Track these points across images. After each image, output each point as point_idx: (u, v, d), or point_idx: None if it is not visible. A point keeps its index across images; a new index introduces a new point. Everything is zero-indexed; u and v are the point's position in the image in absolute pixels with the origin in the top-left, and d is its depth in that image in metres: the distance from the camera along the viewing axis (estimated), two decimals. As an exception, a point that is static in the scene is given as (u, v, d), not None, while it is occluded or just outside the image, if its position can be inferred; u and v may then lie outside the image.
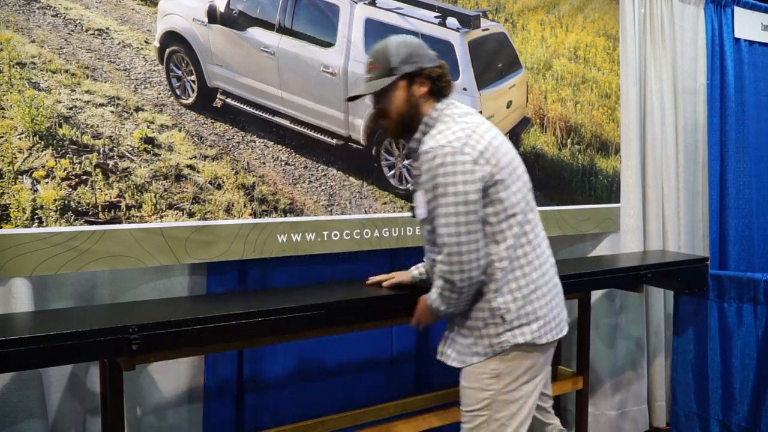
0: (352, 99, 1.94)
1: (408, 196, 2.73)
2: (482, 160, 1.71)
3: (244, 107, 2.40)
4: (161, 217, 2.21)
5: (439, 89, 1.82)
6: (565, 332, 1.90)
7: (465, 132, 1.73)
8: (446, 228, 1.70)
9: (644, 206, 3.48)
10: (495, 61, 2.93)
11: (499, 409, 1.80)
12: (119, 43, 2.19)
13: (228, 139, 2.37)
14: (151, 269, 2.27)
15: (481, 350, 1.80)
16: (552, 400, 2.17)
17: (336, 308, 2.01)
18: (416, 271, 2.17)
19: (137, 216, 2.17)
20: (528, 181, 1.86)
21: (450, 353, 1.88)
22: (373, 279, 2.25)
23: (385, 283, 2.20)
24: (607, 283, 2.91)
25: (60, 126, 2.07)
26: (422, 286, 2.08)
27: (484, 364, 1.80)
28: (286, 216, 2.45)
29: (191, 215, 2.27)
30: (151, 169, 2.21)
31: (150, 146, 2.21)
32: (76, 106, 2.10)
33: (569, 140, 3.26)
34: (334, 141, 2.57)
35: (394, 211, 2.69)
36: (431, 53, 1.84)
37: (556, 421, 2.16)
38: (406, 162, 2.71)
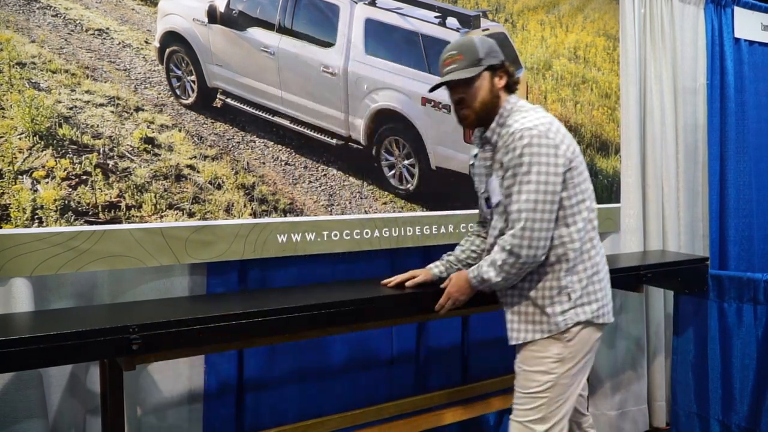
0: (435, 89, 1.99)
1: (408, 196, 2.73)
2: (563, 146, 1.84)
3: (244, 107, 2.40)
4: (161, 217, 2.21)
5: (512, 84, 1.95)
6: (612, 319, 2.01)
7: (547, 119, 1.87)
8: (525, 204, 1.80)
9: (644, 206, 3.48)
10: (495, 61, 2.92)
11: (558, 392, 1.90)
12: (119, 43, 2.19)
13: (228, 139, 2.37)
14: (151, 269, 2.27)
15: (546, 327, 1.90)
16: (587, 390, 2.28)
17: (336, 308, 2.01)
18: (436, 269, 2.19)
19: (137, 216, 2.17)
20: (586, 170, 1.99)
21: (511, 334, 1.97)
22: (393, 280, 2.20)
23: (408, 283, 2.17)
24: (607, 283, 2.90)
25: (60, 126, 2.07)
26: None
27: (547, 348, 1.89)
28: (285, 216, 2.45)
29: (191, 215, 2.27)
30: (151, 169, 2.21)
31: (150, 146, 2.21)
32: (76, 106, 2.10)
33: (569, 140, 3.25)
34: (334, 141, 2.57)
35: (394, 211, 2.69)
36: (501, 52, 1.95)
37: (589, 415, 2.26)
38: (405, 162, 2.71)
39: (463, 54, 1.88)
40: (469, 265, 2.14)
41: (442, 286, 2.05)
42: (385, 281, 2.20)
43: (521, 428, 1.92)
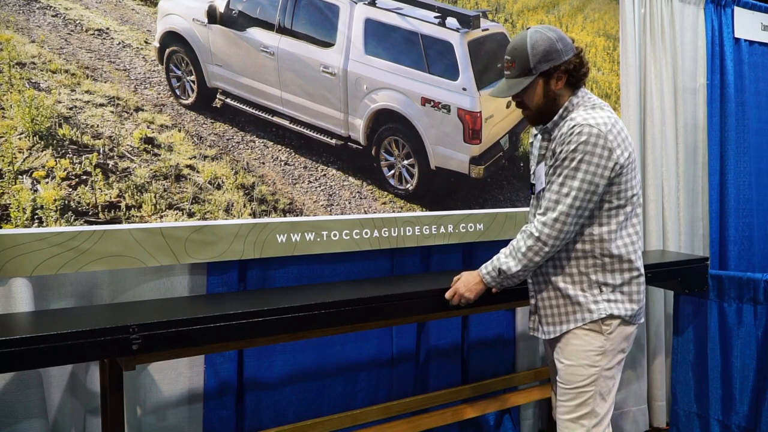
0: (495, 95, 2.02)
1: (407, 197, 2.73)
2: (619, 150, 1.84)
3: (244, 107, 2.40)
4: (161, 217, 2.22)
5: (577, 79, 1.93)
6: (643, 320, 2.04)
7: (611, 120, 1.86)
8: (565, 197, 1.83)
9: (644, 206, 3.48)
10: (495, 62, 2.93)
11: (603, 384, 1.92)
12: (119, 43, 2.19)
13: (228, 139, 2.37)
14: (151, 269, 2.27)
15: (579, 316, 1.92)
16: None
17: (336, 308, 2.01)
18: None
19: (137, 216, 2.17)
20: (641, 178, 2.00)
21: (544, 328, 2.00)
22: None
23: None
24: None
25: (60, 126, 2.07)
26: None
27: (589, 341, 1.92)
28: (285, 216, 2.45)
29: (191, 215, 2.27)
30: (151, 169, 2.21)
31: (150, 146, 2.22)
32: (76, 106, 2.10)
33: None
34: (333, 141, 2.57)
35: (394, 211, 2.70)
36: (569, 43, 1.90)
37: None
38: (405, 162, 2.71)
39: (516, 61, 1.88)
40: None
41: (454, 281, 2.07)
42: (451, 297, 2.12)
43: (571, 425, 1.93)
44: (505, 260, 1.93)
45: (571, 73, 1.90)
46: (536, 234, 1.86)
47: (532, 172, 2.08)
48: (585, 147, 1.81)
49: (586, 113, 1.86)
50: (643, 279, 1.99)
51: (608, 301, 1.92)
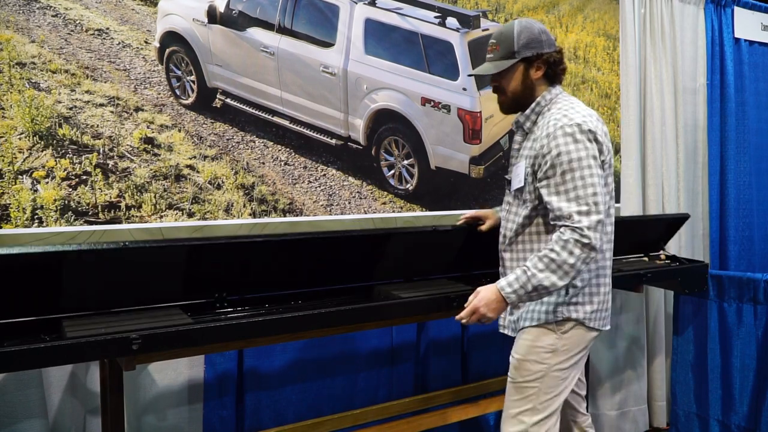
0: (474, 74, 2.05)
1: (407, 196, 2.73)
2: (599, 142, 1.83)
3: (244, 107, 2.40)
4: (161, 217, 2.21)
5: (555, 74, 1.95)
6: (608, 327, 2.01)
7: (590, 114, 1.87)
8: (586, 198, 1.76)
9: (644, 206, 3.48)
10: (495, 61, 2.92)
11: (549, 384, 1.89)
12: (119, 43, 2.19)
13: (228, 139, 2.37)
14: (151, 269, 2.27)
15: (535, 315, 1.92)
16: (586, 389, 2.28)
17: (336, 308, 2.01)
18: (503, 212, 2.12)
19: (137, 216, 2.17)
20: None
21: (508, 324, 2.02)
22: (462, 219, 2.32)
23: (482, 227, 2.26)
24: (607, 283, 2.91)
25: (60, 126, 2.07)
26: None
27: (540, 338, 1.90)
28: (285, 216, 2.45)
29: (191, 215, 2.27)
30: (151, 169, 2.21)
31: (150, 146, 2.22)
32: (76, 106, 2.10)
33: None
34: (333, 141, 2.57)
35: (394, 211, 2.69)
36: (552, 38, 1.95)
37: (588, 415, 2.25)
38: (405, 162, 2.71)
39: (500, 45, 1.91)
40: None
41: (469, 300, 1.88)
42: (459, 222, 2.31)
43: (511, 420, 1.92)
44: (545, 276, 1.75)
45: (550, 66, 1.93)
46: (588, 242, 1.73)
47: (509, 169, 2.05)
48: (576, 145, 1.78)
49: (566, 111, 1.86)
50: (605, 281, 1.96)
51: (569, 304, 1.90)
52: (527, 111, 1.94)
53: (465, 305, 1.86)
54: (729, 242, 3.80)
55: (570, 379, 1.95)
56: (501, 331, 2.07)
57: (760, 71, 4.02)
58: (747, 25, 3.93)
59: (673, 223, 3.14)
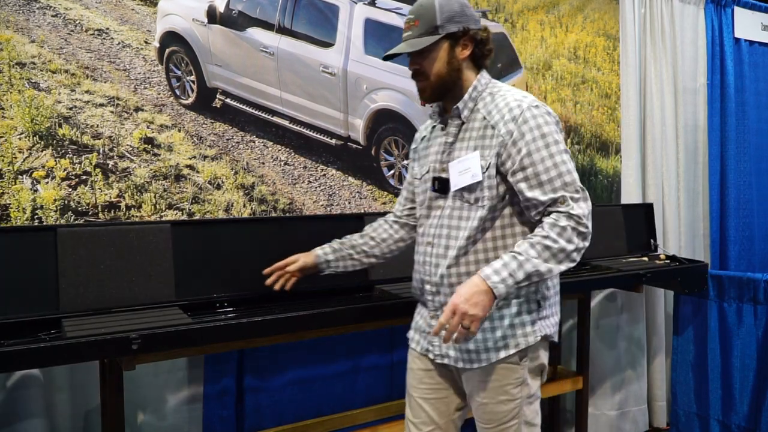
0: (388, 58, 1.71)
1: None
2: (562, 130, 1.64)
3: (244, 107, 2.41)
4: (161, 217, 2.21)
5: (482, 54, 1.67)
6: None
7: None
8: (575, 184, 1.54)
9: (644, 206, 3.49)
10: (494, 62, 2.93)
11: (527, 411, 1.66)
12: (119, 43, 2.19)
13: (227, 139, 2.37)
14: (150, 269, 2.27)
15: (512, 342, 1.60)
16: None
17: (335, 308, 2.01)
18: (320, 251, 1.88)
19: (137, 216, 2.17)
20: None
21: (457, 355, 1.65)
22: (272, 267, 1.88)
23: (290, 267, 1.85)
24: (607, 283, 2.91)
25: (60, 126, 2.07)
26: (330, 271, 1.90)
27: (504, 375, 1.62)
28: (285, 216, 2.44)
29: (191, 215, 2.27)
30: (151, 169, 2.21)
31: (150, 146, 2.22)
32: (76, 106, 2.10)
33: (569, 140, 3.26)
34: (333, 141, 2.57)
35: (394, 211, 2.69)
36: (476, 14, 1.67)
37: None
38: (405, 162, 2.71)
39: (420, 19, 1.61)
40: (365, 253, 1.88)
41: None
42: (266, 270, 1.88)
43: None
44: (543, 263, 1.49)
45: (477, 45, 1.65)
46: (586, 231, 1.52)
47: (430, 172, 1.72)
48: (549, 127, 1.56)
49: (515, 94, 1.62)
50: (558, 289, 1.73)
51: (542, 318, 1.63)
52: (465, 97, 1.64)
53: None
54: (729, 242, 3.80)
55: (539, 393, 1.71)
56: (441, 361, 1.70)
57: (760, 71, 4.02)
58: (747, 25, 3.93)
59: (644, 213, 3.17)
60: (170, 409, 2.34)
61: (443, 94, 1.67)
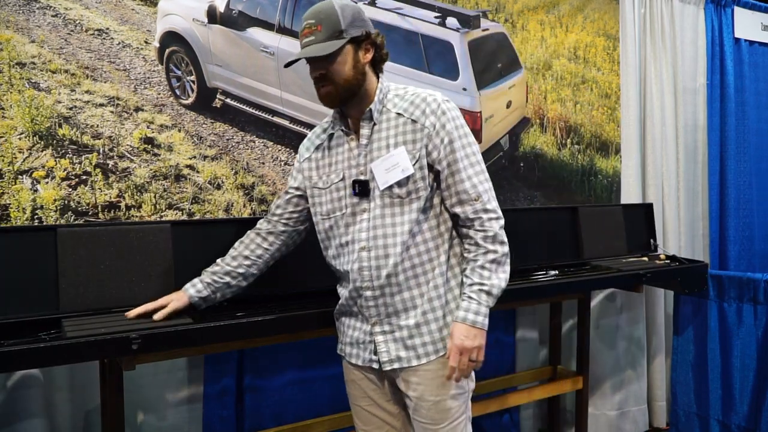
0: (290, 64, 1.69)
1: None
2: None
3: (244, 107, 2.41)
4: (161, 217, 2.21)
5: (381, 58, 1.70)
6: None
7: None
8: (484, 182, 1.66)
9: (644, 206, 3.49)
10: (495, 62, 2.93)
11: (469, 406, 1.73)
12: (119, 43, 2.19)
13: (227, 139, 2.37)
14: (150, 269, 2.27)
15: (440, 346, 1.66)
16: None
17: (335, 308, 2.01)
18: (193, 289, 1.79)
19: (137, 216, 2.17)
20: None
21: (409, 354, 1.66)
22: (135, 312, 1.76)
23: (156, 316, 1.73)
24: (607, 283, 2.91)
25: (60, 126, 2.07)
26: (205, 308, 1.83)
27: (446, 365, 1.64)
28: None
29: (191, 215, 2.27)
30: (151, 169, 2.21)
31: (150, 146, 2.22)
32: (76, 106, 2.10)
33: (569, 140, 3.26)
34: (333, 141, 2.57)
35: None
36: (369, 20, 1.69)
37: None
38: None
39: (322, 24, 1.60)
40: (242, 276, 1.82)
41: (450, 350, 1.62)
42: (130, 314, 1.76)
43: None
44: (499, 276, 1.63)
45: (377, 49, 1.68)
46: (492, 236, 1.63)
47: (341, 178, 1.70)
48: (460, 120, 1.66)
49: (425, 90, 1.68)
50: None
51: (454, 310, 1.68)
52: (375, 99, 1.66)
53: (447, 355, 1.62)
54: (729, 242, 3.81)
55: None
56: (390, 367, 1.68)
57: (760, 71, 4.03)
58: (747, 25, 3.93)
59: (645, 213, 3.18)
60: (170, 409, 2.34)
61: (348, 98, 1.66)
